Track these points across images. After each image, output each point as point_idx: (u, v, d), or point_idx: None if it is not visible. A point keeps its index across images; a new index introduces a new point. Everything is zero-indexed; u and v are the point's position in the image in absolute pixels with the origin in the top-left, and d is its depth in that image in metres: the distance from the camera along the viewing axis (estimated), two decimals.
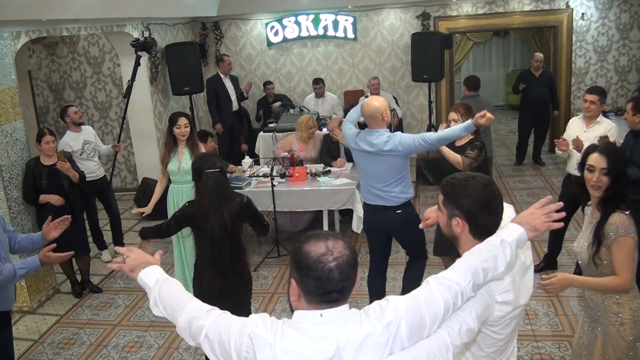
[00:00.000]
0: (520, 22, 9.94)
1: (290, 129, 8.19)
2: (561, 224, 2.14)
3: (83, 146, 6.60)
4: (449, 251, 3.84)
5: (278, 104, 9.75)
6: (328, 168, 6.96)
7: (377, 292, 5.08)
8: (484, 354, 2.27)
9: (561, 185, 5.93)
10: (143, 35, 7.71)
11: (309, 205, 6.58)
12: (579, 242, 3.26)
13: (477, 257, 2.01)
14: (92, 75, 9.66)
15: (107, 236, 7.21)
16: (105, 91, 9.68)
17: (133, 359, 5.05)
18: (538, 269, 5.84)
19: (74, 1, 5.96)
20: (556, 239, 5.89)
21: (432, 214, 2.66)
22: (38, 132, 5.94)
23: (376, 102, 4.51)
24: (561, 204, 2.17)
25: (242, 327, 1.89)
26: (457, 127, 4.45)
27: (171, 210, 5.63)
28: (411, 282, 4.96)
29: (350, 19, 10.06)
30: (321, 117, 8.70)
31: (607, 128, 5.34)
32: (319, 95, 9.39)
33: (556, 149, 5.58)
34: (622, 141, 5.19)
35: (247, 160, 7.35)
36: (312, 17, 10.14)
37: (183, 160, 5.45)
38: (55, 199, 5.73)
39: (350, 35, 10.17)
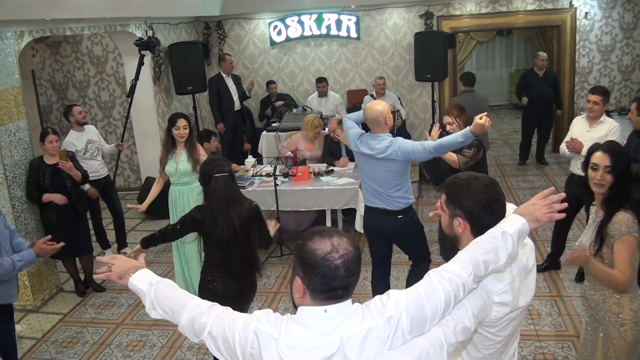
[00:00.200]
0: (523, 22, 9.91)
1: (293, 128, 8.19)
2: (563, 215, 2.13)
3: (86, 145, 6.61)
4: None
5: (281, 103, 9.75)
6: (331, 167, 6.96)
7: (380, 294, 5.05)
8: (480, 356, 2.26)
9: (564, 185, 5.92)
10: (147, 35, 7.72)
11: (312, 205, 6.59)
12: (581, 241, 3.25)
13: (478, 249, 2.01)
14: (96, 75, 9.68)
15: (110, 235, 7.22)
16: (108, 90, 9.69)
17: (136, 357, 5.05)
18: (541, 269, 5.84)
19: (78, 1, 5.97)
20: (559, 239, 5.88)
21: None
22: (41, 132, 5.94)
23: (379, 106, 4.48)
24: (563, 194, 2.16)
25: (246, 323, 1.90)
26: (454, 136, 4.33)
27: (172, 211, 5.62)
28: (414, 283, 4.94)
29: (353, 19, 10.05)
30: (324, 116, 8.69)
31: (611, 128, 5.33)
32: (322, 94, 9.39)
33: (562, 148, 5.55)
34: (625, 141, 5.18)
35: (250, 160, 7.36)
36: (315, 16, 10.14)
37: (180, 162, 5.44)
38: (58, 198, 5.74)
39: (354, 34, 10.16)
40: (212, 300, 2.09)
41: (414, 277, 5.04)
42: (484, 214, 2.15)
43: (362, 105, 8.91)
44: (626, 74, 9.86)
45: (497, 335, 2.20)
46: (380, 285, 5.06)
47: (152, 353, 5.10)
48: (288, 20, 10.25)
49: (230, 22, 10.51)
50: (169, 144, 5.50)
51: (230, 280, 3.91)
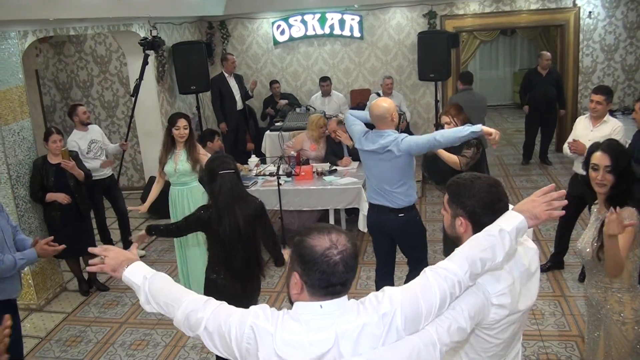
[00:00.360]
0: (527, 21, 9.91)
1: (296, 127, 8.20)
2: (562, 212, 2.12)
3: (89, 145, 6.61)
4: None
5: (284, 102, 9.76)
6: (334, 167, 6.96)
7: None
8: (479, 359, 2.26)
9: (568, 184, 5.91)
10: (151, 34, 7.73)
11: (315, 204, 6.59)
12: (583, 239, 3.25)
13: (475, 246, 2.00)
14: (99, 74, 9.69)
15: (114, 235, 7.23)
16: (112, 90, 9.71)
17: (140, 356, 5.06)
18: (545, 269, 5.83)
19: (81, 1, 5.98)
20: (563, 239, 5.87)
21: None
22: (45, 131, 5.95)
23: (385, 104, 4.47)
24: (563, 192, 2.15)
25: (243, 318, 1.90)
26: (462, 127, 4.29)
27: (172, 211, 5.60)
28: None
29: (357, 18, 10.06)
30: (327, 115, 8.69)
31: (614, 128, 5.32)
32: (326, 93, 9.39)
33: (565, 148, 5.54)
34: (629, 141, 5.17)
35: (254, 159, 7.36)
36: (318, 16, 10.14)
37: (179, 162, 5.41)
38: (62, 198, 5.75)
39: (357, 34, 10.16)
40: (217, 299, 2.08)
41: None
42: (486, 214, 2.14)
43: (367, 103, 8.92)
44: (630, 74, 9.84)
45: (496, 337, 2.19)
46: (383, 283, 5.04)
47: (155, 352, 5.11)
48: (291, 20, 10.26)
49: (233, 21, 10.52)
50: (169, 144, 5.47)
51: (232, 279, 3.90)
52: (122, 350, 5.18)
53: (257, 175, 6.86)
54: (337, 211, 6.91)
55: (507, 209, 2.18)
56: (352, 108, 9.58)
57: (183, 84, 9.07)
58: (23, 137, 5.85)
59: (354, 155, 6.84)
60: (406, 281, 5.09)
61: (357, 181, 6.48)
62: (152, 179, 8.49)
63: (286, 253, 4.12)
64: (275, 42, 10.49)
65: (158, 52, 8.27)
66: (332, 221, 6.68)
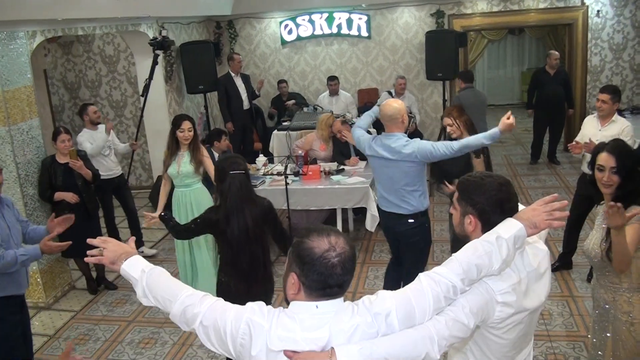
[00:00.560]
0: (535, 20, 9.87)
1: (304, 127, 8.20)
2: (562, 223, 2.12)
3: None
4: None
5: (292, 102, 9.76)
6: (341, 167, 6.96)
7: (392, 281, 5.04)
8: None
9: (576, 184, 5.89)
10: (161, 34, 7.75)
11: (322, 204, 6.58)
12: (591, 240, 3.23)
13: (471, 253, 2.01)
14: (107, 74, 9.72)
15: (123, 234, 7.25)
16: (120, 90, 9.74)
17: (148, 355, 5.08)
18: (553, 269, 5.81)
19: (89, 1, 6.01)
20: (571, 239, 5.85)
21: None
22: (54, 131, 5.97)
23: (396, 104, 4.45)
24: (565, 202, 2.15)
25: (238, 314, 1.92)
26: (481, 136, 4.28)
27: (176, 213, 5.57)
28: (394, 284, 4.88)
29: (364, 17, 10.05)
30: (335, 115, 8.69)
31: (622, 127, 5.30)
32: (334, 92, 9.39)
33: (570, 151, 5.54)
34: (639, 140, 5.15)
35: (262, 159, 7.37)
36: (326, 15, 10.15)
37: (182, 164, 5.38)
38: (70, 197, 5.76)
39: (364, 33, 10.16)
40: (228, 301, 2.09)
41: (393, 280, 5.04)
42: (495, 213, 2.14)
43: (378, 101, 8.93)
44: (638, 73, 9.79)
45: (502, 337, 2.19)
46: (394, 275, 5.03)
47: (163, 350, 5.13)
48: (299, 20, 10.27)
49: (241, 21, 10.53)
50: (173, 146, 5.43)
51: (238, 280, 3.88)
52: (130, 349, 5.20)
53: (264, 174, 6.87)
54: (344, 211, 6.91)
55: (517, 210, 2.18)
56: (359, 107, 9.61)
57: (191, 84, 9.09)
58: (32, 136, 5.88)
59: (361, 154, 6.83)
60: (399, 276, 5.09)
61: (365, 181, 6.48)
62: (160, 178, 8.51)
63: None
64: (283, 42, 10.50)
65: (167, 52, 8.28)
66: (339, 221, 6.68)
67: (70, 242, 3.88)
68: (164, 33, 7.76)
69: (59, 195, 5.79)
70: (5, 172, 5.57)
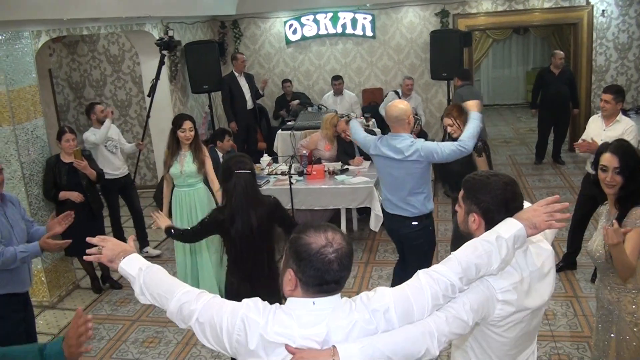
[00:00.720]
0: (540, 20, 9.85)
1: (308, 127, 8.19)
2: (563, 225, 2.13)
3: (105, 142, 6.65)
4: None
5: (296, 101, 9.76)
6: (346, 166, 6.96)
7: (400, 281, 5.02)
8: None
9: (581, 184, 5.88)
10: (166, 34, 7.76)
11: (327, 204, 6.58)
12: (594, 241, 3.23)
13: (470, 252, 2.01)
14: (112, 74, 9.74)
15: (128, 233, 7.25)
16: (125, 89, 9.76)
17: (152, 354, 5.09)
18: (557, 269, 5.79)
19: (94, 0, 6.02)
20: (575, 239, 5.83)
21: None
22: (58, 130, 5.99)
23: (402, 105, 4.45)
24: (566, 204, 2.15)
25: (234, 310, 1.93)
26: (473, 124, 4.35)
27: (176, 214, 5.56)
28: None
29: (369, 17, 10.05)
30: (339, 115, 8.69)
31: (627, 127, 5.28)
32: (338, 92, 9.39)
33: (576, 149, 5.52)
34: None
35: (266, 158, 7.37)
36: (330, 15, 10.14)
37: (185, 164, 5.38)
38: (75, 196, 5.77)
39: (369, 33, 10.15)
40: (230, 299, 2.10)
41: (399, 278, 5.02)
42: (500, 212, 2.15)
43: (384, 101, 8.95)
44: None
45: (502, 336, 2.19)
46: (402, 273, 5.01)
47: (167, 350, 5.14)
48: (303, 19, 10.27)
49: (246, 21, 10.54)
50: (174, 146, 5.42)
51: (242, 279, 3.87)
52: (134, 348, 5.21)
53: (269, 174, 6.87)
54: (348, 210, 6.91)
55: (522, 209, 2.18)
56: (363, 107, 9.60)
57: (195, 84, 9.11)
58: (36, 136, 5.89)
59: (366, 154, 6.82)
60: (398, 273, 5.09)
61: (369, 180, 6.48)
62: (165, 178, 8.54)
63: None
64: (288, 42, 10.50)
65: (173, 52, 8.29)
66: (343, 220, 6.68)
67: (70, 240, 3.87)
68: (170, 33, 7.77)
69: (64, 195, 5.80)
70: (10, 171, 5.60)
